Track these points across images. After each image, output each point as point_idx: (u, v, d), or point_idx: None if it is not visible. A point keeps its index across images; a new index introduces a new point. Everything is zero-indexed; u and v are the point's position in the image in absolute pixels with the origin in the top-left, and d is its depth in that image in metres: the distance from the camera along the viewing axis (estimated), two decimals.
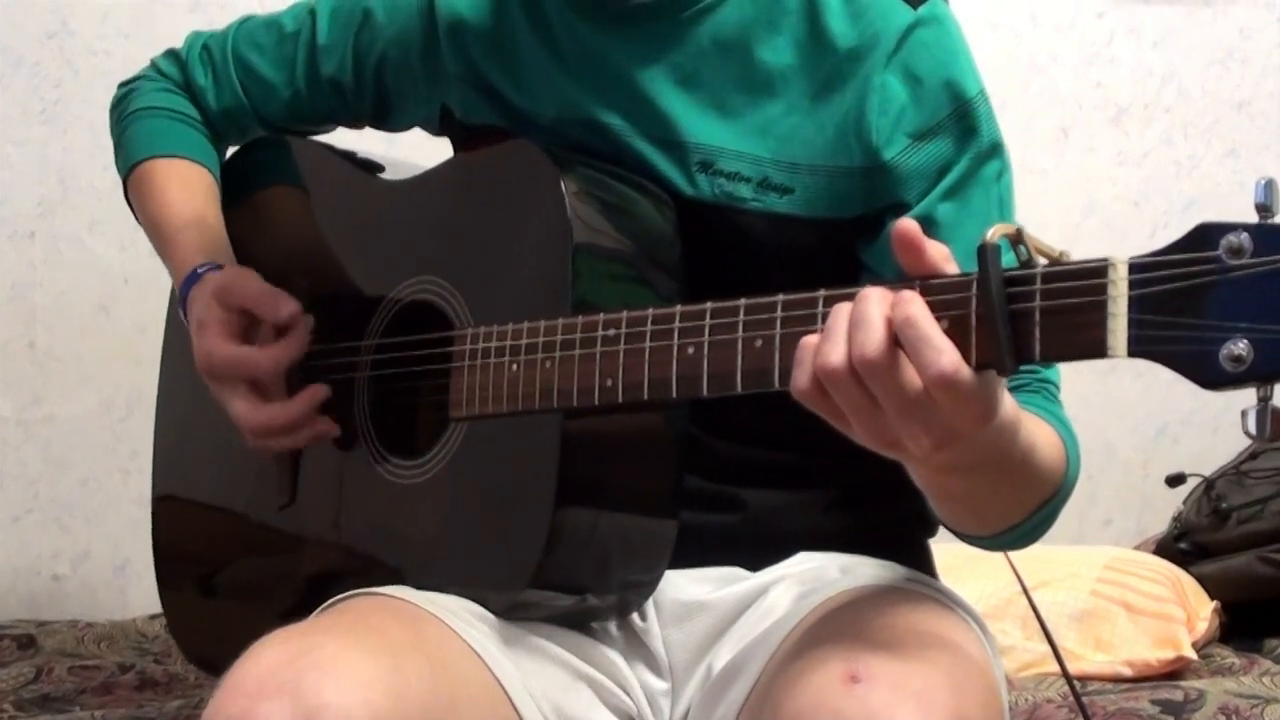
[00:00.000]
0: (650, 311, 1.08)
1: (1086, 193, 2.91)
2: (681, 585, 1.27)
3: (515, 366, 1.18)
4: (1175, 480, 2.48)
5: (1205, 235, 0.85)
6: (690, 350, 1.05)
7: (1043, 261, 0.92)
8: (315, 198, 1.50)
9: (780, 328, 1.00)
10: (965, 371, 0.91)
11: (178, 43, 1.57)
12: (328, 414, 1.33)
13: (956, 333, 0.91)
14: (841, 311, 0.94)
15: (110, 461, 2.67)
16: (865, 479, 1.23)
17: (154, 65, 1.58)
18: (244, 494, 1.46)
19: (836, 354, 0.93)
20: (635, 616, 1.27)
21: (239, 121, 1.53)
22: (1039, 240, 0.92)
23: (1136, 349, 0.87)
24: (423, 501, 1.26)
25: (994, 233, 0.91)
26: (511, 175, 1.26)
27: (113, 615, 2.46)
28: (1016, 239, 0.92)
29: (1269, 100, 2.91)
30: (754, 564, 1.28)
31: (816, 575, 1.25)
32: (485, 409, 1.20)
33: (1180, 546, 2.42)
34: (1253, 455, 2.46)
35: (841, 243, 1.25)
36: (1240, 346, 0.84)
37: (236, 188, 1.53)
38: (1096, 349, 0.88)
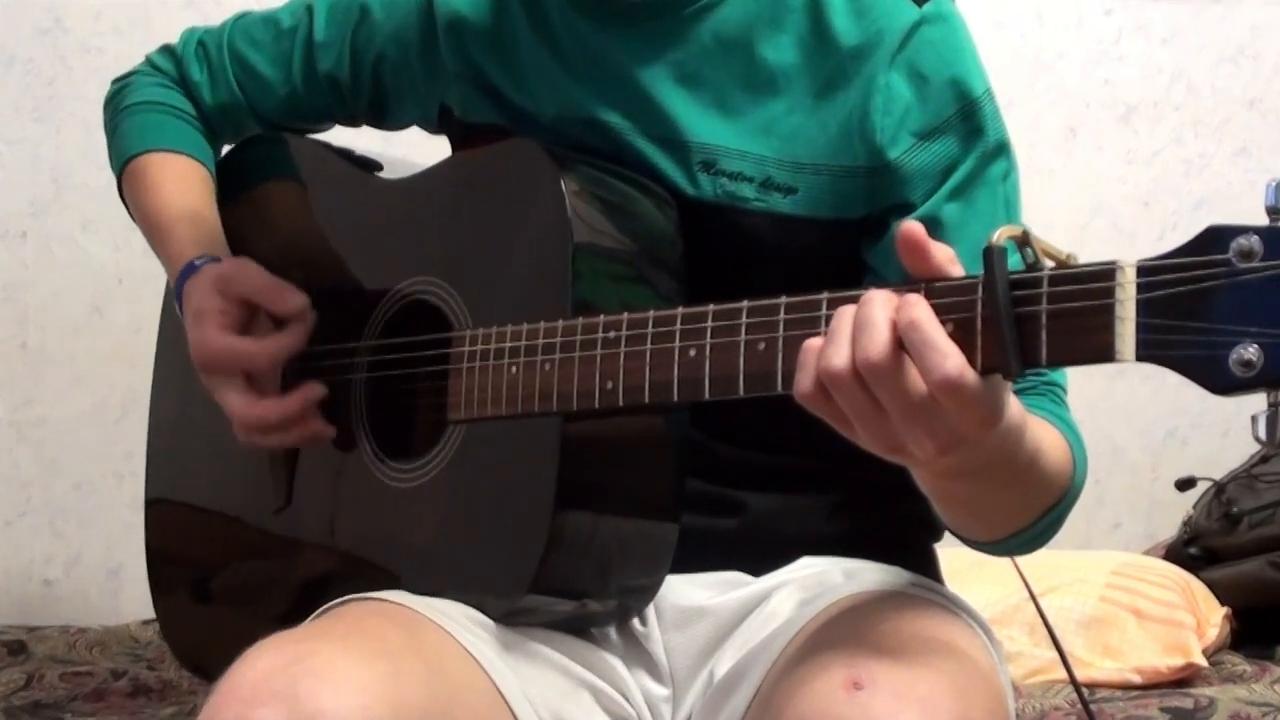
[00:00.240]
0: (651, 313, 1.09)
1: (1094, 193, 2.91)
2: (683, 590, 1.27)
3: (514, 368, 1.18)
4: (1185, 484, 2.48)
5: (1215, 238, 0.85)
6: (692, 353, 1.05)
7: (1050, 264, 0.92)
8: (312, 196, 1.50)
9: (783, 330, 1.00)
10: (970, 375, 0.91)
11: (172, 39, 1.57)
12: (324, 415, 1.33)
13: (962, 336, 0.92)
14: (845, 314, 0.94)
15: (104, 464, 2.67)
16: (869, 483, 1.23)
17: (149, 61, 1.58)
18: (239, 497, 1.46)
19: (840, 357, 0.93)
20: (636, 622, 1.27)
21: (235, 118, 1.53)
22: (1046, 242, 0.92)
23: (1145, 353, 0.87)
24: (420, 505, 1.27)
25: (1000, 235, 0.91)
26: (511, 174, 1.26)
27: (105, 621, 2.46)
28: (1023, 241, 0.92)
29: None
30: (756, 569, 1.29)
31: (819, 580, 1.25)
32: (484, 411, 1.20)
33: (1190, 551, 2.42)
34: (1264, 459, 2.45)
35: (845, 244, 1.25)
36: (1250, 351, 0.84)
37: (232, 185, 1.53)
38: (1104, 353, 0.88)
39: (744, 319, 1.02)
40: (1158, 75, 2.92)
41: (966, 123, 1.22)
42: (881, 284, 0.96)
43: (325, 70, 1.45)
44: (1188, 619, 2.14)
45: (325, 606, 1.20)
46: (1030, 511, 1.11)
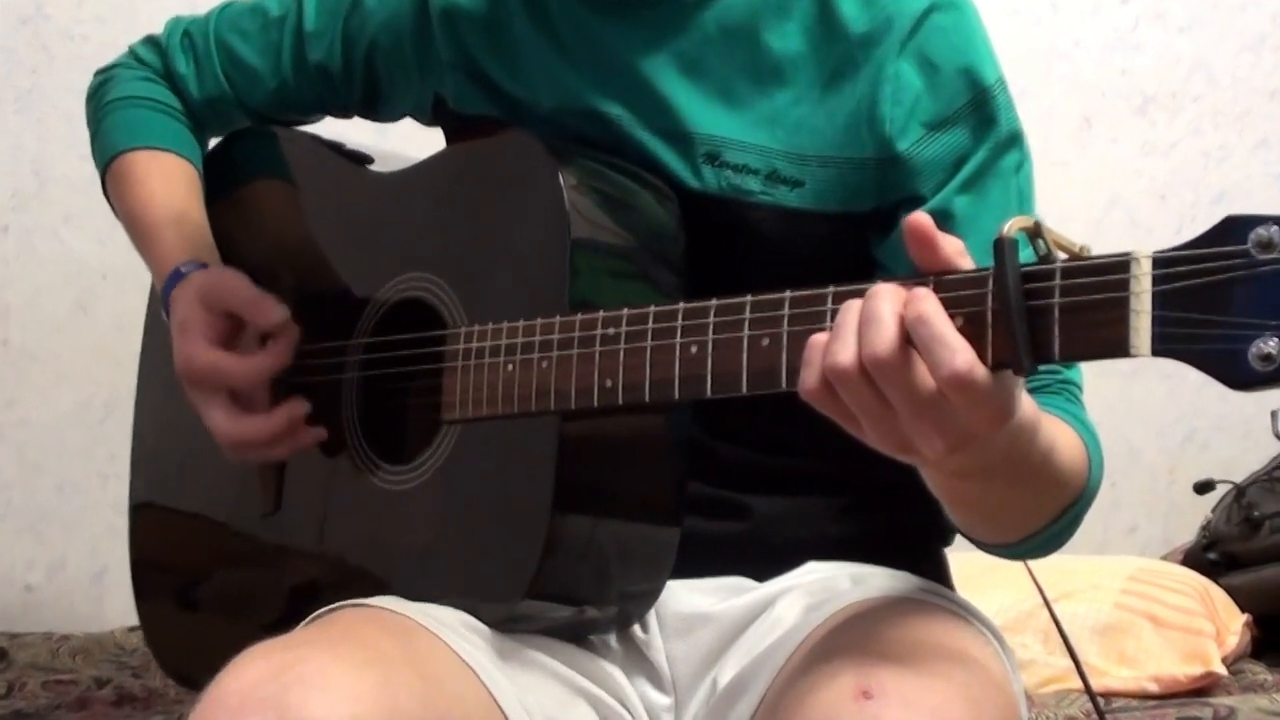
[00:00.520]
0: (652, 309, 1.09)
1: (1110, 185, 2.91)
2: (684, 596, 1.27)
3: (510, 367, 1.18)
4: (1204, 487, 2.48)
5: (1233, 228, 0.85)
6: (694, 350, 1.05)
7: (1062, 256, 0.92)
8: (302, 191, 1.50)
9: (788, 326, 1.00)
10: (980, 371, 0.91)
11: (157, 28, 1.57)
12: (314, 418, 1.33)
13: (972, 331, 0.92)
14: (851, 309, 0.94)
15: (87, 466, 2.67)
16: (877, 485, 1.23)
17: (132, 52, 1.58)
18: (226, 500, 1.46)
19: (846, 353, 0.93)
20: (636, 629, 1.27)
21: (222, 111, 1.53)
22: (1058, 234, 0.92)
23: (1161, 348, 0.87)
24: (413, 508, 1.27)
25: (1011, 226, 0.91)
26: (507, 167, 1.26)
27: (89, 627, 2.46)
28: (1035, 233, 0.92)
29: None
30: (761, 574, 1.29)
31: (826, 586, 1.26)
32: (479, 411, 1.20)
33: (1209, 556, 2.43)
34: None
35: (853, 238, 1.25)
36: (1270, 345, 0.84)
37: (220, 180, 1.53)
38: (1119, 348, 0.88)
39: (747, 314, 1.02)
40: (1176, 64, 2.92)
41: (978, 113, 1.22)
42: (890, 278, 0.96)
43: (316, 60, 1.45)
44: (1207, 626, 2.15)
45: (316, 613, 1.20)
46: (1044, 513, 1.11)
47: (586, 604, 1.23)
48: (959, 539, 1.23)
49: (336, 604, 1.20)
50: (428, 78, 1.39)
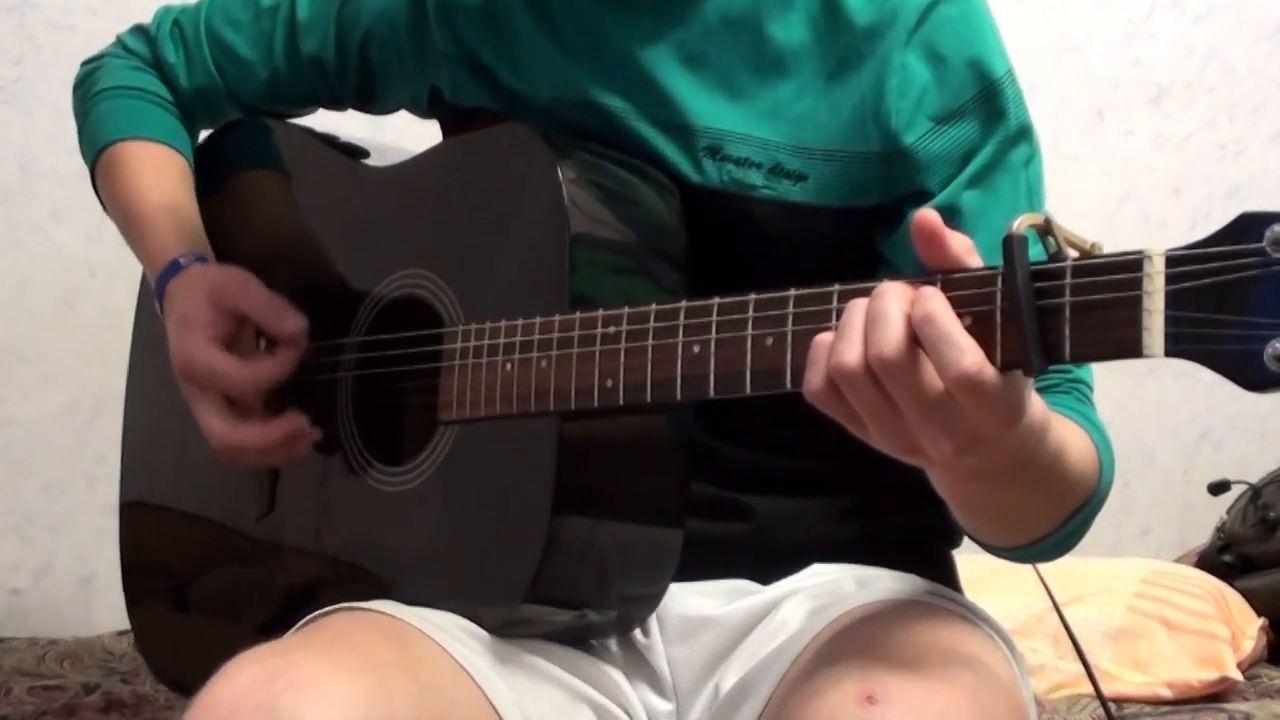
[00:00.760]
0: (653, 307, 1.09)
1: (1123, 179, 2.91)
2: (686, 599, 1.27)
3: (509, 366, 1.18)
4: (1219, 488, 2.48)
5: (1248, 226, 0.85)
6: (696, 349, 1.05)
7: (1073, 254, 0.92)
8: (295, 185, 1.50)
9: (792, 324, 1.00)
10: (989, 372, 0.91)
11: (146, 17, 1.57)
12: (309, 418, 1.33)
13: (980, 331, 0.92)
14: (857, 308, 0.94)
15: (75, 467, 2.67)
16: (883, 486, 1.24)
17: (120, 42, 1.58)
18: (219, 502, 1.46)
19: (852, 353, 0.93)
20: (637, 633, 1.28)
21: (212, 102, 1.53)
22: (1069, 231, 0.92)
23: (1174, 348, 0.87)
24: (410, 510, 1.27)
25: (1020, 223, 0.91)
26: (504, 161, 1.26)
27: (77, 632, 2.47)
28: (1045, 229, 0.92)
29: None
30: (764, 577, 1.29)
31: (831, 589, 1.26)
32: (477, 411, 1.21)
33: (1224, 559, 2.43)
34: None
35: (858, 233, 1.25)
36: None
37: (210, 174, 1.53)
38: (1131, 348, 0.88)
39: (750, 313, 1.02)
40: (1190, 55, 2.92)
41: (987, 105, 1.22)
42: (897, 276, 0.96)
43: (309, 51, 1.45)
44: (1221, 630, 2.15)
45: (309, 616, 1.20)
46: (1054, 516, 1.11)
47: (587, 608, 1.23)
48: (966, 541, 1.23)
49: (330, 607, 1.20)
50: (424, 69, 1.39)
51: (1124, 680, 2.10)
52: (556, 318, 1.15)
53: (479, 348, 1.21)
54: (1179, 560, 2.57)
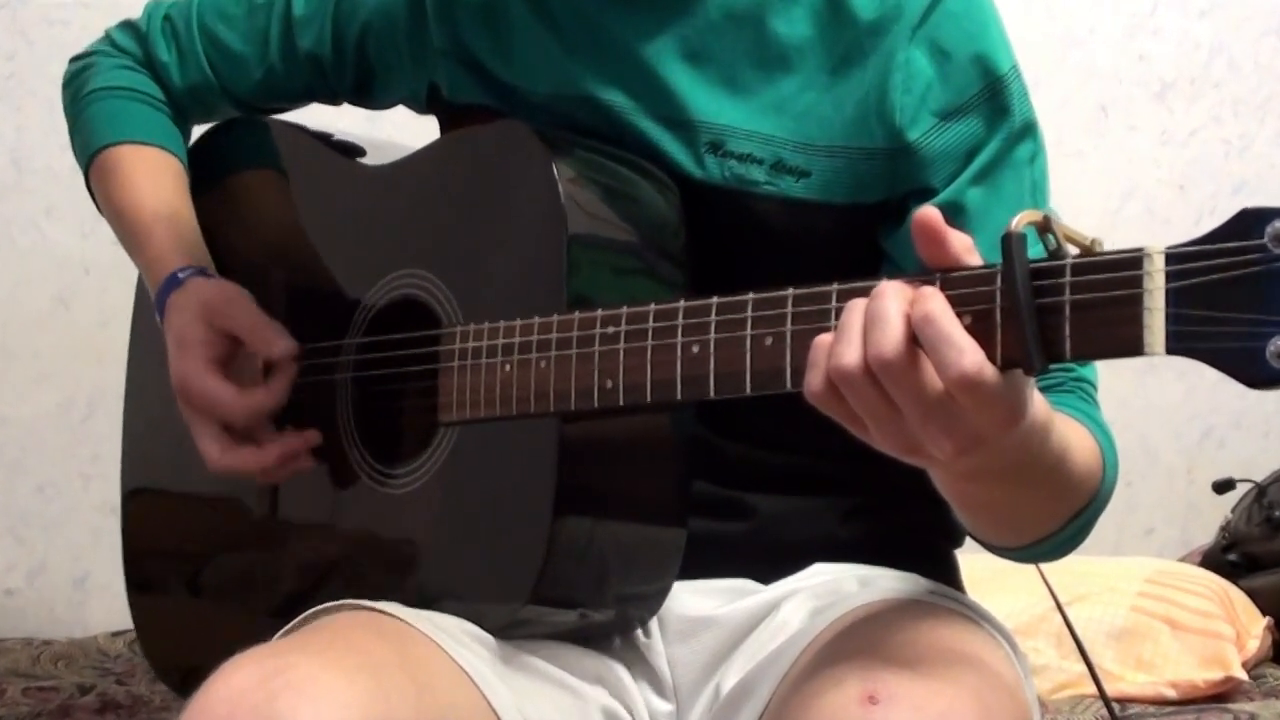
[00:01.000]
0: (652, 307, 1.09)
1: (1127, 176, 2.91)
2: (687, 599, 1.28)
3: (508, 367, 1.18)
4: (1223, 486, 2.49)
5: (1249, 222, 0.85)
6: (695, 349, 1.05)
7: (1073, 251, 0.92)
8: (290, 185, 1.50)
9: (791, 324, 1.00)
10: (989, 371, 0.91)
11: (139, 11, 1.56)
12: (308, 420, 1.34)
13: (980, 330, 0.92)
14: (856, 308, 0.94)
15: (69, 466, 2.67)
16: (885, 485, 1.24)
17: (109, 38, 1.57)
18: (219, 502, 1.46)
19: (851, 354, 0.93)
20: (638, 632, 1.28)
21: (206, 100, 1.53)
22: (1069, 228, 0.92)
23: (1175, 345, 0.87)
24: (411, 512, 1.27)
25: (1019, 221, 0.91)
26: (501, 159, 1.26)
27: (71, 632, 2.47)
28: (1044, 227, 0.92)
29: None
30: (765, 576, 1.29)
31: (832, 588, 1.26)
32: (476, 412, 1.21)
33: (1229, 558, 2.43)
34: None
35: (861, 230, 1.25)
36: None
37: (204, 174, 1.53)
38: (1132, 346, 0.88)
39: (749, 312, 1.03)
40: (1195, 50, 2.92)
41: (991, 102, 1.23)
42: (899, 274, 0.96)
43: (305, 48, 1.44)
44: (1226, 630, 2.15)
45: (306, 613, 1.20)
46: (1057, 516, 1.12)
47: (590, 608, 1.23)
48: (969, 541, 1.23)
49: (326, 604, 1.20)
50: (421, 65, 1.39)
51: (1128, 680, 2.11)
52: (555, 318, 1.15)
53: (478, 349, 1.21)
54: (1183, 559, 2.57)
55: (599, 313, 1.12)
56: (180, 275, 1.39)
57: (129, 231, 1.46)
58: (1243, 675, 2.10)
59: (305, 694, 1.01)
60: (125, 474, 1.60)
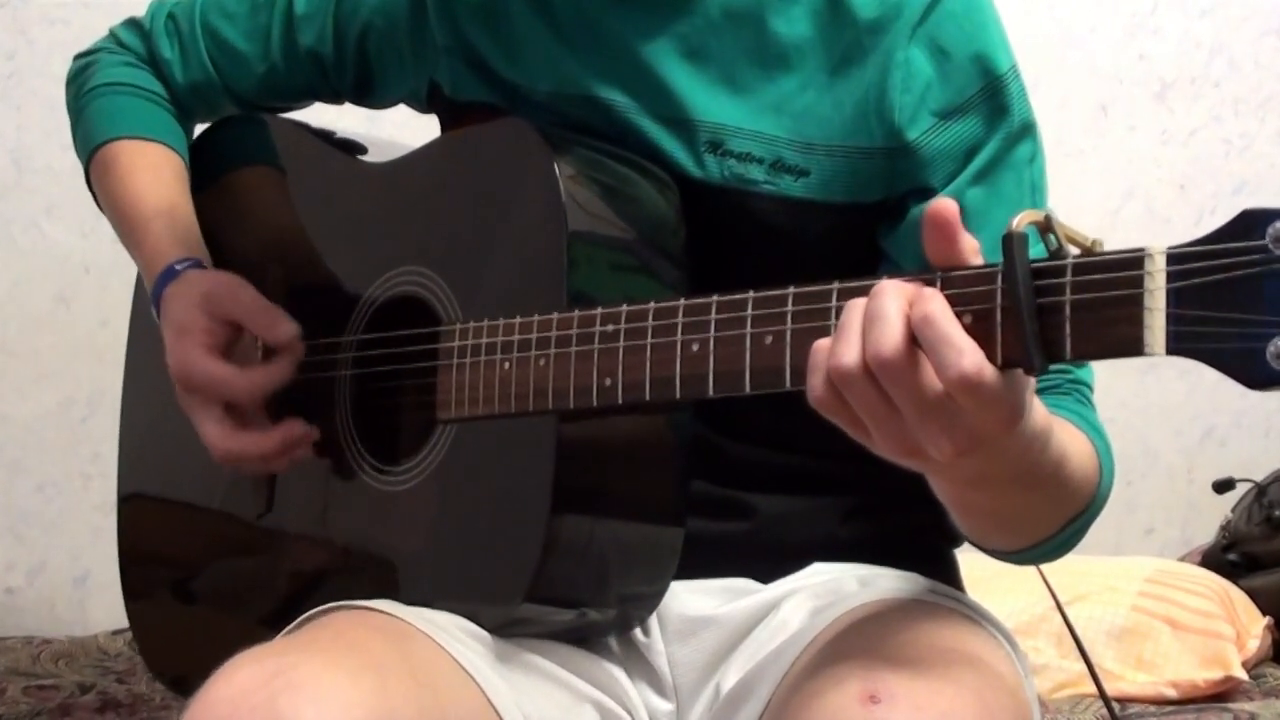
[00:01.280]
0: (652, 305, 1.09)
1: (1127, 175, 2.91)
2: (687, 598, 1.28)
3: (507, 364, 1.18)
4: (1223, 486, 2.49)
5: (1250, 223, 0.85)
6: (695, 347, 1.05)
7: (1074, 251, 0.92)
8: (290, 182, 1.50)
9: (791, 322, 1.00)
10: (989, 372, 0.90)
11: (140, 10, 1.56)
12: (307, 417, 1.34)
13: (980, 329, 0.92)
14: (856, 308, 0.94)
15: (69, 465, 2.67)
16: (886, 485, 1.24)
17: (113, 36, 1.57)
18: (218, 499, 1.46)
19: (850, 353, 0.92)
20: (637, 632, 1.28)
21: (208, 98, 1.53)
22: (1070, 228, 0.92)
23: (1175, 346, 0.87)
24: (409, 509, 1.27)
25: (1020, 220, 0.91)
26: (501, 156, 1.26)
27: (72, 631, 2.47)
28: (1045, 227, 0.92)
29: None
30: (765, 575, 1.29)
31: (833, 588, 1.26)
32: (475, 410, 1.21)
33: (1229, 558, 2.43)
34: None
35: (860, 229, 1.25)
36: None
37: (205, 170, 1.53)
38: (1132, 346, 0.88)
39: (749, 311, 1.02)
40: (1196, 49, 2.92)
41: (991, 102, 1.23)
42: (897, 273, 0.96)
43: (307, 45, 1.45)
44: (1226, 629, 2.15)
45: (307, 614, 1.20)
46: (1054, 521, 1.12)
47: (587, 607, 1.23)
48: (967, 541, 1.23)
49: (329, 605, 1.21)
50: (422, 63, 1.39)
51: (1128, 680, 2.11)
52: (555, 316, 1.15)
53: (477, 346, 1.21)
54: (1183, 559, 2.57)
55: (598, 311, 1.12)
56: (177, 268, 1.39)
57: (127, 226, 1.46)
58: (1243, 675, 2.10)
59: (308, 693, 1.01)
60: (121, 478, 1.60)
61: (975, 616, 1.23)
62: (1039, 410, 0.99)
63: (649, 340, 1.08)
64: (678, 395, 1.07)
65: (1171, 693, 2.09)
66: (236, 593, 1.45)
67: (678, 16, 1.27)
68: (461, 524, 1.25)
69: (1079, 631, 1.50)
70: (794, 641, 1.18)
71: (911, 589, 1.26)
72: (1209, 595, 2.21)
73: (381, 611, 1.18)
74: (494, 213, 1.26)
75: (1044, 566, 1.29)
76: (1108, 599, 2.19)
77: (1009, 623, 1.30)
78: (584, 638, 1.26)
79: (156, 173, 1.49)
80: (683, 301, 1.07)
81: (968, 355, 0.90)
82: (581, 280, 1.18)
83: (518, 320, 1.18)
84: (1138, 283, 0.88)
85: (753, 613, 1.27)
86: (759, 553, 1.30)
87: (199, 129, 1.59)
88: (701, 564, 1.27)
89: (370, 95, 1.47)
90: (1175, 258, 0.87)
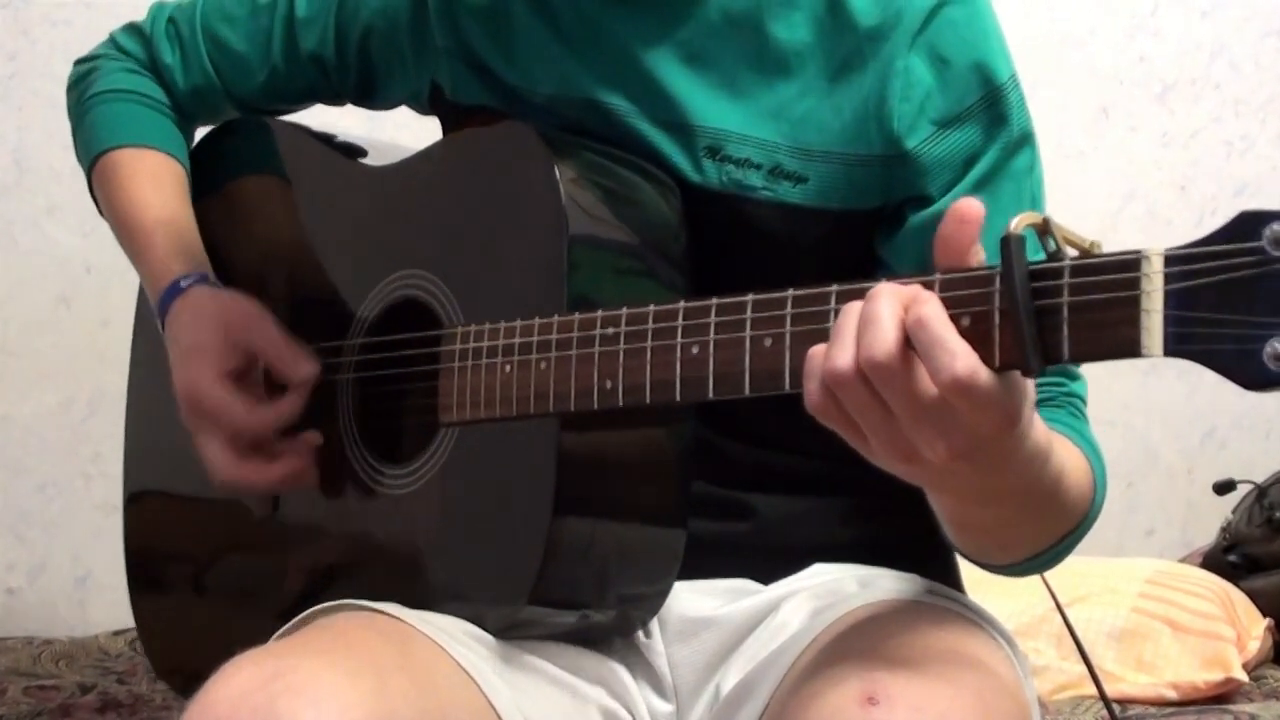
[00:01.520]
0: (652, 308, 1.09)
1: (1128, 177, 2.91)
2: (687, 599, 1.28)
3: (508, 368, 1.18)
4: (1224, 487, 2.49)
5: (1248, 225, 0.85)
6: (695, 350, 1.06)
7: (1072, 253, 0.92)
8: (292, 186, 1.50)
9: (790, 325, 1.01)
10: (983, 374, 0.91)
11: (141, 12, 1.56)
12: (310, 420, 1.34)
13: (978, 331, 0.92)
14: (851, 311, 0.94)
15: (70, 465, 2.67)
16: (886, 486, 1.23)
17: (114, 41, 1.57)
18: (221, 502, 1.46)
19: (844, 357, 0.93)
20: (638, 633, 1.28)
21: (209, 102, 1.53)
22: (1068, 230, 0.93)
23: (1173, 348, 0.87)
24: (412, 512, 1.27)
25: (1018, 222, 0.92)
26: (503, 159, 1.27)
27: (72, 631, 2.47)
28: (1043, 229, 0.92)
29: None
30: (765, 576, 1.30)
31: (833, 589, 1.26)
32: (477, 413, 1.21)
33: (1229, 559, 2.43)
34: None
35: (857, 237, 1.26)
36: None
37: (207, 175, 1.53)
38: (1130, 348, 0.88)
39: (749, 314, 1.03)
40: (1196, 51, 2.92)
41: (990, 111, 1.23)
42: (893, 277, 0.96)
43: (308, 49, 1.45)
44: (1227, 631, 2.15)
45: (305, 613, 1.20)
46: (1049, 537, 1.13)
47: (590, 609, 1.24)
48: None
49: (326, 604, 1.21)
50: (423, 65, 1.39)
51: (1129, 682, 2.11)
52: (555, 319, 1.15)
53: (478, 349, 1.21)
54: (1183, 560, 2.57)
55: (599, 314, 1.12)
56: (182, 284, 1.39)
57: (129, 237, 1.47)
58: (1243, 676, 2.10)
59: (307, 695, 1.01)
60: (127, 477, 1.60)
61: (975, 618, 1.23)
62: (1040, 427, 0.99)
63: (649, 343, 1.09)
64: (678, 398, 1.07)
65: (1172, 694, 2.09)
66: (241, 593, 1.46)
67: (678, 21, 1.27)
68: (464, 526, 1.25)
69: (1079, 633, 1.50)
70: (794, 642, 1.18)
71: (911, 590, 1.26)
72: (1209, 597, 2.21)
73: (382, 613, 1.19)
74: (495, 216, 1.26)
75: None
76: (1108, 600, 2.19)
77: (1009, 624, 1.30)
78: (587, 639, 1.26)
79: (157, 181, 1.48)
80: (682, 304, 1.07)
81: (961, 358, 0.90)
82: (582, 283, 1.18)
83: (519, 323, 1.18)
84: (1135, 284, 0.88)
85: (753, 614, 1.27)
86: (759, 553, 1.30)
87: (200, 132, 1.59)
88: (702, 565, 1.27)
89: (372, 97, 1.48)
90: (1173, 259, 0.87)
